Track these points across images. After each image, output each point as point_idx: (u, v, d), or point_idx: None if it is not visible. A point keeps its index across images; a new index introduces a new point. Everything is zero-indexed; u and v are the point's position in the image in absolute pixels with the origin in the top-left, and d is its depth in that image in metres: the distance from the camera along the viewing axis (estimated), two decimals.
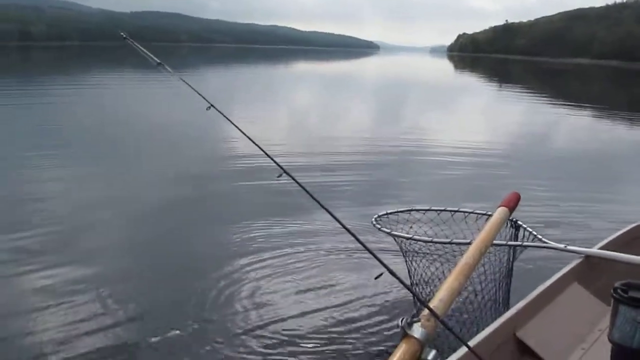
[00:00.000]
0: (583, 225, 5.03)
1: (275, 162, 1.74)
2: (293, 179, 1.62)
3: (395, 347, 1.39)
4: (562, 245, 2.52)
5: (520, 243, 2.61)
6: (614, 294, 1.77)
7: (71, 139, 8.90)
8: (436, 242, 2.70)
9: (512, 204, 2.03)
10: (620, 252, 2.48)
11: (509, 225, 2.74)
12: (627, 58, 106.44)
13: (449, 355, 1.68)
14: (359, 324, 3.13)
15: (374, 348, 2.88)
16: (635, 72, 63.66)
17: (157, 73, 2.65)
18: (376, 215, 2.93)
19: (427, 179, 7.03)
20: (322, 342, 2.95)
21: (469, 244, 2.58)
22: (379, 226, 2.81)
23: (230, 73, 33.86)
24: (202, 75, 28.25)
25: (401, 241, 2.88)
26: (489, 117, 15.55)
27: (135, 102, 14.83)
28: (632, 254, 2.40)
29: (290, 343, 2.94)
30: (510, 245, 2.68)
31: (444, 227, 2.95)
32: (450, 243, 2.65)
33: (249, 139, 1.93)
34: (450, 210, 2.94)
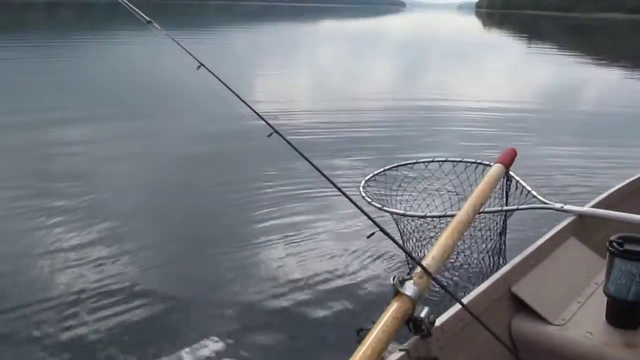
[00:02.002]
0: (589, 182, 4.96)
1: (265, 121, 1.74)
2: (284, 138, 1.63)
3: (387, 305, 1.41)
4: (559, 205, 2.47)
5: (516, 207, 2.56)
6: (610, 247, 1.78)
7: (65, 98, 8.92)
8: (430, 217, 2.65)
9: (509, 160, 2.02)
10: (617, 208, 2.45)
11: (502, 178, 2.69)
12: None
13: (442, 312, 1.69)
14: (350, 282, 3.10)
15: (366, 306, 2.86)
16: None
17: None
18: (363, 181, 2.83)
19: (439, 135, 6.98)
20: (312, 300, 2.93)
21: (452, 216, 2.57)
22: (369, 199, 2.70)
23: (256, 31, 33.55)
24: (228, 34, 28.20)
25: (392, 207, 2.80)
26: (512, 75, 15.23)
27: (132, 60, 14.71)
28: (629, 210, 2.38)
29: (277, 299, 2.94)
30: (505, 211, 2.63)
31: (433, 180, 2.90)
32: (444, 216, 2.60)
33: (239, 98, 1.93)
34: (438, 161, 2.87)
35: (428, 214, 2.66)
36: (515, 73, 15.78)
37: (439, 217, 2.64)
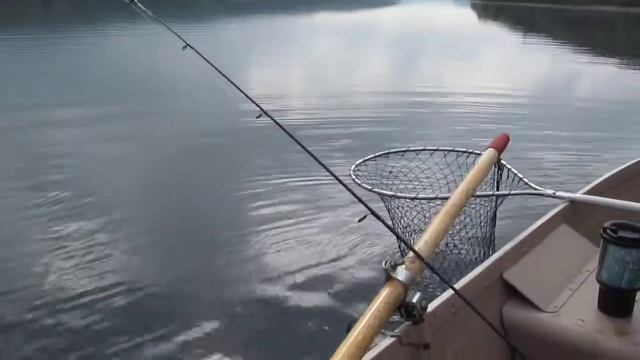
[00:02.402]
0: (581, 170, 4.95)
1: (254, 102, 1.71)
2: (272, 118, 1.61)
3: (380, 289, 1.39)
4: (550, 192, 2.47)
5: (508, 192, 2.55)
6: (604, 234, 1.77)
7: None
8: (421, 199, 2.64)
9: (501, 145, 1.99)
10: (609, 195, 2.44)
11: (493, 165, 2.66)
12: None
13: (434, 297, 1.68)
14: (343, 267, 3.11)
15: (359, 291, 2.86)
16: None
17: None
18: (354, 165, 2.84)
19: (433, 123, 6.95)
20: (304, 285, 2.93)
21: (445, 198, 2.57)
22: (359, 181, 2.71)
23: (249, 23, 33.41)
24: (225, 27, 28.10)
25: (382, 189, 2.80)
26: (508, 67, 15.20)
27: (118, 45, 14.46)
28: (621, 197, 2.38)
29: (270, 284, 2.93)
30: (497, 195, 2.62)
31: (424, 168, 2.90)
32: (435, 198, 2.60)
33: (227, 79, 1.90)
34: (429, 149, 2.88)
35: (419, 196, 2.65)
36: (511, 65, 15.77)
37: (430, 199, 2.64)
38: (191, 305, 2.81)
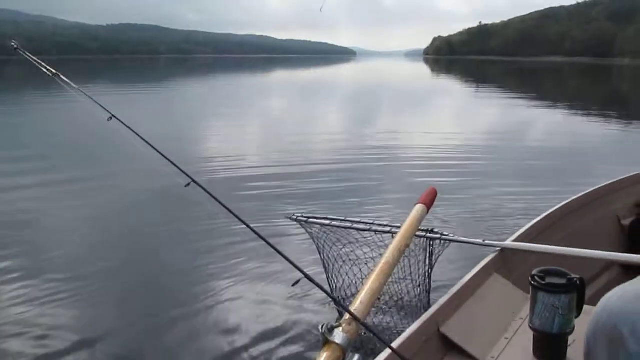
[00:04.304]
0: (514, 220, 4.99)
1: (182, 171, 1.72)
2: (202, 187, 1.61)
3: (317, 354, 1.39)
4: (480, 240, 2.54)
5: (439, 236, 2.61)
6: (532, 282, 1.82)
7: None
8: (356, 229, 2.69)
9: (430, 199, 2.05)
10: (536, 241, 2.52)
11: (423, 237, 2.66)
12: (598, 55, 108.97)
13: (373, 357, 1.68)
14: (279, 334, 3.01)
15: (297, 358, 2.82)
16: (605, 68, 64.97)
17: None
18: (291, 215, 2.91)
19: (373, 187, 6.81)
20: (240, 356, 2.87)
21: (389, 232, 2.61)
22: (295, 217, 2.79)
23: (214, 83, 33.76)
24: (188, 88, 28.39)
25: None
26: (460, 121, 15.49)
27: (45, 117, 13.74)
28: (546, 243, 2.45)
29: (202, 347, 2.86)
30: (429, 238, 2.65)
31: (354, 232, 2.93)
32: (369, 230, 2.65)
33: (154, 148, 1.90)
34: (365, 223, 2.85)
35: (353, 226, 2.70)
36: (464, 116, 16.15)
37: (364, 230, 2.69)
38: None
